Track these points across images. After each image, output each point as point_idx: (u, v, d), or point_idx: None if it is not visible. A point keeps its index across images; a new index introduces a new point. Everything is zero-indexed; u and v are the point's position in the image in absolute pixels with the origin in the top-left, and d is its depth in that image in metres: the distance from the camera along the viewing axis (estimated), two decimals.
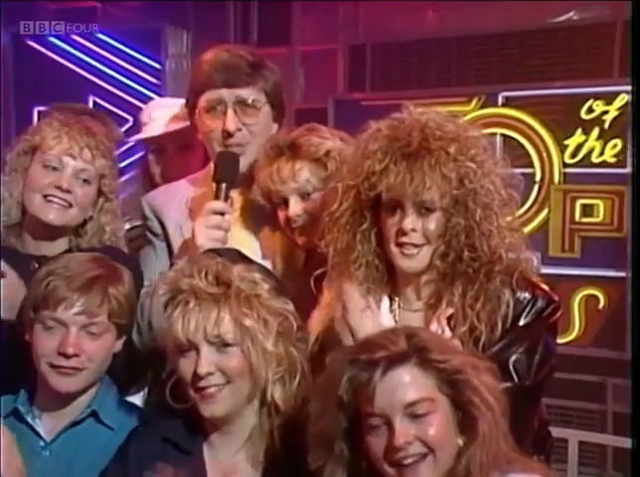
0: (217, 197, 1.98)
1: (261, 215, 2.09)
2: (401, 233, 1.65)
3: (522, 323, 1.67)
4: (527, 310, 1.67)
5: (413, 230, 1.64)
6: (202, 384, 1.56)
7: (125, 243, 2.42)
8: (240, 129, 2.08)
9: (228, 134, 2.07)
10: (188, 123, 2.29)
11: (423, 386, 1.38)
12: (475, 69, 4.62)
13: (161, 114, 2.59)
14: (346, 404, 1.41)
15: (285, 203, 1.99)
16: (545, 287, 1.73)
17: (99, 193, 2.11)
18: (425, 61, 4.73)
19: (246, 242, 2.10)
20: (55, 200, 2.04)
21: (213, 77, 2.07)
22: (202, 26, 5.33)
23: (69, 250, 2.09)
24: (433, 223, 1.65)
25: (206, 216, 1.96)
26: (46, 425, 1.81)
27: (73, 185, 2.05)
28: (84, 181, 2.07)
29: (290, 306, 1.63)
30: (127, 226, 2.55)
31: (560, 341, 4.10)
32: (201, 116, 2.11)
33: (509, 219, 1.68)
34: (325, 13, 5.24)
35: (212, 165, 2.11)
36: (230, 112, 2.06)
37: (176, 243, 2.13)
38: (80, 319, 1.76)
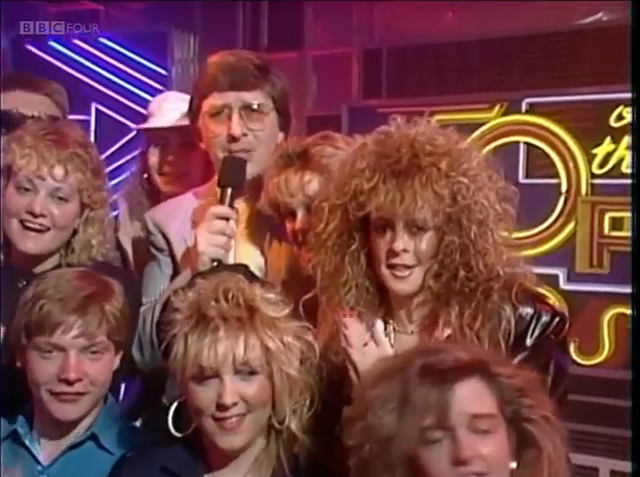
0: (221, 202, 2.00)
1: (268, 226, 2.11)
2: (392, 253, 1.65)
3: (529, 343, 1.66)
4: (531, 327, 1.67)
5: (405, 250, 1.64)
6: (224, 414, 1.56)
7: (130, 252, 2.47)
8: (245, 134, 2.11)
9: (233, 139, 2.09)
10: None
11: (488, 401, 1.38)
12: (497, 73, 4.60)
13: (173, 107, 2.61)
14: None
15: (293, 215, 2.00)
16: (547, 300, 1.73)
17: (82, 205, 2.10)
18: (444, 65, 4.73)
19: (252, 255, 2.13)
20: (30, 225, 2.04)
21: (219, 79, 2.10)
22: (209, 29, 5.36)
23: (58, 266, 2.09)
24: (425, 242, 1.65)
25: (209, 221, 1.97)
26: (45, 449, 1.81)
27: (47, 206, 2.04)
28: (61, 199, 2.06)
29: (310, 332, 1.65)
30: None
31: (588, 363, 4.14)
32: (204, 121, 2.15)
33: (505, 234, 1.69)
34: (338, 15, 5.26)
35: (216, 177, 2.12)
36: (235, 117, 2.09)
37: (181, 257, 2.17)
38: (79, 342, 1.75)
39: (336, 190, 1.71)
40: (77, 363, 1.75)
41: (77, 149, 2.06)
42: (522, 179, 4.28)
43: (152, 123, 2.66)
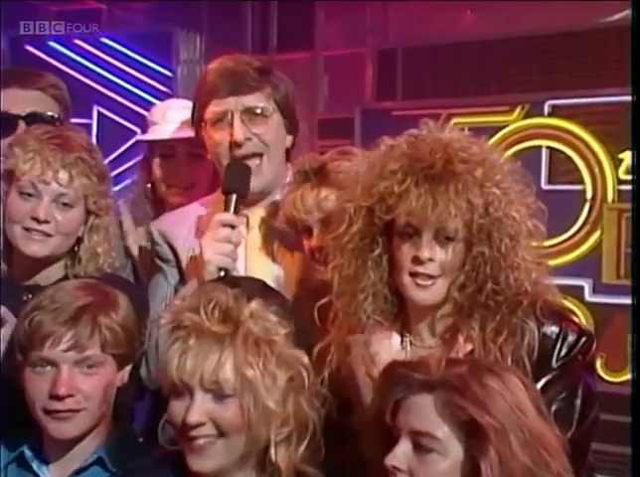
0: (226, 208, 2.03)
1: (280, 234, 2.13)
2: (417, 261, 1.64)
3: (555, 364, 1.65)
4: (557, 347, 1.67)
5: (431, 259, 1.64)
6: (192, 433, 1.52)
7: (130, 270, 2.47)
8: (249, 139, 2.13)
9: (236, 145, 2.12)
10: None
11: (434, 422, 1.40)
12: (518, 74, 4.58)
13: (177, 116, 2.62)
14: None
15: (309, 232, 2.01)
16: (573, 317, 1.73)
17: (87, 212, 2.12)
18: (462, 66, 4.72)
19: (264, 265, 2.16)
20: (34, 232, 2.05)
21: (218, 85, 2.13)
22: (216, 29, 5.38)
23: (65, 278, 2.10)
24: (453, 253, 1.65)
25: (214, 228, 1.99)
26: (52, 473, 1.81)
27: (51, 212, 2.05)
28: (65, 205, 2.07)
29: (305, 359, 1.59)
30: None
31: (615, 380, 4.08)
32: (207, 130, 2.18)
33: (534, 251, 1.69)
34: (351, 14, 5.26)
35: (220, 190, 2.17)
36: (237, 122, 2.12)
37: (188, 268, 2.19)
38: (70, 355, 1.74)
39: (363, 191, 1.70)
40: (68, 377, 1.73)
41: (82, 153, 2.07)
42: (544, 185, 4.25)
43: (157, 134, 2.66)
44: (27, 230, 2.05)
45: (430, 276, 1.65)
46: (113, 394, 1.83)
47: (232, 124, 2.11)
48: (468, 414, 1.38)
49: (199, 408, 1.50)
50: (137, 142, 4.28)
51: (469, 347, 1.66)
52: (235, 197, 2.03)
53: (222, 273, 1.96)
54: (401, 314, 1.75)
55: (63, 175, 2.04)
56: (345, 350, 1.72)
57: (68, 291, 1.82)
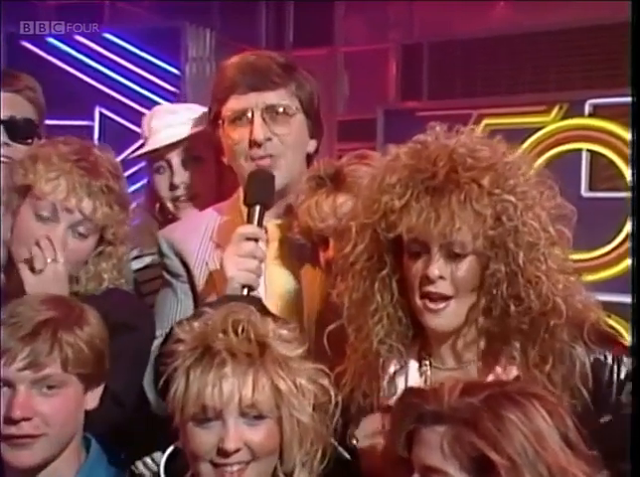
0: (249, 220, 2.01)
1: (301, 247, 2.10)
2: (427, 280, 1.63)
3: (620, 394, 1.63)
4: (615, 375, 1.64)
5: (441, 277, 1.62)
6: (226, 461, 1.55)
7: (134, 290, 2.41)
8: (269, 139, 2.11)
9: (255, 144, 2.10)
10: (193, 130, 2.36)
11: (444, 458, 1.39)
12: (556, 71, 4.54)
13: (161, 124, 2.57)
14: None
15: (326, 242, 2.00)
16: (623, 341, 1.71)
17: (101, 240, 2.10)
18: (494, 62, 4.71)
19: (284, 280, 2.13)
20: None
21: (238, 80, 2.11)
22: (228, 24, 5.42)
23: None
24: (464, 269, 1.63)
25: (237, 243, 1.97)
26: None
27: (65, 240, 2.02)
28: (80, 235, 2.05)
29: (326, 378, 1.63)
30: (135, 253, 2.54)
31: None
32: (224, 128, 2.15)
33: (560, 259, 1.65)
34: (373, 7, 5.26)
35: (240, 192, 2.15)
36: (257, 120, 2.10)
37: (201, 284, 2.14)
38: (26, 374, 1.70)
39: (365, 208, 1.70)
40: (24, 399, 1.69)
41: (109, 181, 2.05)
42: (584, 192, 4.21)
43: (146, 148, 2.60)
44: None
45: (443, 297, 1.63)
46: (81, 418, 1.78)
47: (251, 122, 2.10)
48: (478, 450, 1.36)
49: (235, 434, 1.55)
50: (142, 146, 4.31)
51: (514, 371, 1.64)
52: (259, 208, 2.01)
53: (245, 291, 1.95)
54: (420, 336, 1.73)
55: (87, 204, 2.02)
56: (359, 376, 1.72)
57: (30, 305, 1.78)
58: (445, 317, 1.65)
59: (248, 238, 1.98)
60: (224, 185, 2.37)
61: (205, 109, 2.35)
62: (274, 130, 2.11)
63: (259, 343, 1.58)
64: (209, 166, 2.49)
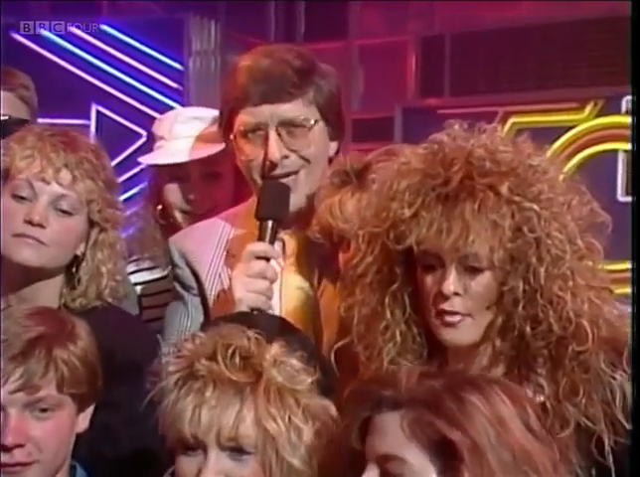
0: (260, 238, 1.98)
1: (321, 261, 2.09)
2: (441, 297, 1.61)
3: None
4: None
5: (456, 293, 1.60)
6: None
7: (135, 299, 2.44)
8: (286, 156, 2.09)
9: (271, 164, 2.08)
10: (220, 146, 2.33)
11: (402, 443, 1.38)
12: (589, 65, 4.49)
13: (186, 130, 2.56)
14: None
15: (348, 244, 1.94)
16: None
17: (90, 224, 2.09)
18: (521, 55, 4.67)
19: (301, 299, 2.12)
20: (26, 237, 2.02)
21: (249, 90, 2.08)
22: (235, 15, 5.39)
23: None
24: (481, 285, 1.60)
25: (246, 261, 1.96)
26: None
27: (47, 217, 2.02)
28: (64, 212, 2.04)
29: (333, 410, 1.58)
30: (132, 267, 2.56)
31: None
32: (237, 141, 2.14)
33: (588, 275, 1.62)
34: None
35: (255, 197, 2.14)
36: (272, 137, 2.08)
37: (212, 298, 2.15)
38: (19, 397, 1.69)
39: (374, 216, 1.68)
40: (17, 424, 1.67)
41: (88, 154, 2.04)
42: (621, 196, 4.19)
43: (165, 155, 2.61)
44: (18, 236, 2.03)
45: (459, 314, 1.61)
46: (72, 442, 1.78)
47: (266, 139, 2.08)
48: (439, 432, 1.36)
49: (214, 468, 1.52)
50: (143, 146, 4.29)
51: (540, 399, 1.60)
52: (271, 224, 1.99)
53: (255, 314, 1.92)
54: (435, 355, 1.70)
55: (65, 175, 2.02)
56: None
57: (15, 320, 1.76)
58: (462, 330, 1.62)
59: (259, 257, 1.96)
60: (240, 200, 2.34)
61: None
62: (292, 146, 2.09)
63: (253, 371, 1.54)
64: (227, 182, 2.50)
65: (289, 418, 1.53)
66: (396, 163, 1.70)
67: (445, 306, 1.61)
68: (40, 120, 2.66)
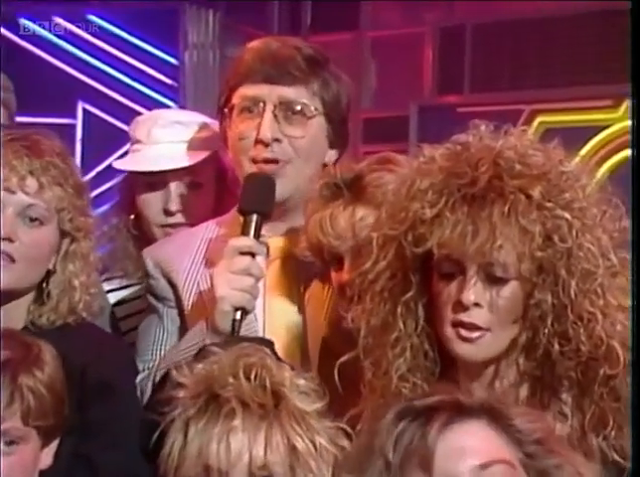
0: (244, 232, 2.01)
1: (307, 267, 2.10)
2: (460, 307, 1.61)
3: None
4: None
5: (477, 304, 1.60)
6: None
7: (107, 319, 2.41)
8: (278, 140, 2.12)
9: (261, 143, 2.11)
10: (203, 154, 2.40)
11: (497, 446, 1.39)
12: (624, 59, 4.44)
13: (166, 135, 2.54)
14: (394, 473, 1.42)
15: (340, 262, 1.98)
16: None
17: (61, 233, 2.07)
18: (550, 47, 4.65)
19: (285, 307, 2.16)
20: None
21: (254, 67, 2.14)
22: (235, 5, 5.35)
23: (24, 329, 2.05)
24: (506, 296, 1.61)
25: (230, 257, 1.98)
26: None
27: (15, 229, 2.01)
28: (33, 220, 2.03)
29: (346, 440, 1.60)
30: (106, 286, 2.53)
31: None
32: (232, 119, 2.18)
33: (621, 294, 1.63)
34: None
35: None
36: (267, 114, 2.12)
37: (191, 308, 2.15)
38: None
39: (390, 216, 1.69)
40: None
41: (54, 158, 2.04)
42: None
43: (140, 160, 2.58)
44: None
45: (478, 328, 1.61)
46: None
47: (261, 117, 2.12)
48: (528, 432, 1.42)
49: None
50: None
51: (566, 430, 1.61)
52: (255, 218, 2.01)
53: (238, 314, 1.95)
54: (448, 373, 1.70)
55: (31, 182, 2.00)
56: (376, 419, 1.67)
57: None
58: (479, 345, 1.63)
59: (243, 253, 1.97)
60: (222, 213, 2.34)
61: (213, 122, 2.37)
62: (286, 131, 2.13)
63: (275, 392, 1.57)
64: (209, 192, 2.50)
65: (311, 439, 1.57)
66: (416, 163, 1.70)
67: (463, 317, 1.61)
68: (19, 119, 2.68)
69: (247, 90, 2.15)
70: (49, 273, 2.08)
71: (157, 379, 1.96)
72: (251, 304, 1.99)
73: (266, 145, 2.11)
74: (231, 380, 1.56)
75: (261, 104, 2.13)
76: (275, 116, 2.12)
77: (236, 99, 2.16)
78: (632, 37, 1.93)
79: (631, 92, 1.89)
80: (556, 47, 4.65)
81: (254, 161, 2.13)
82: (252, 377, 1.57)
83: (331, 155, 2.21)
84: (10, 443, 1.71)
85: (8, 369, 1.72)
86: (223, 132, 2.23)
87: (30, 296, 2.08)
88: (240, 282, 1.95)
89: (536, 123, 4.60)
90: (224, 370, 1.58)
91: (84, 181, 2.16)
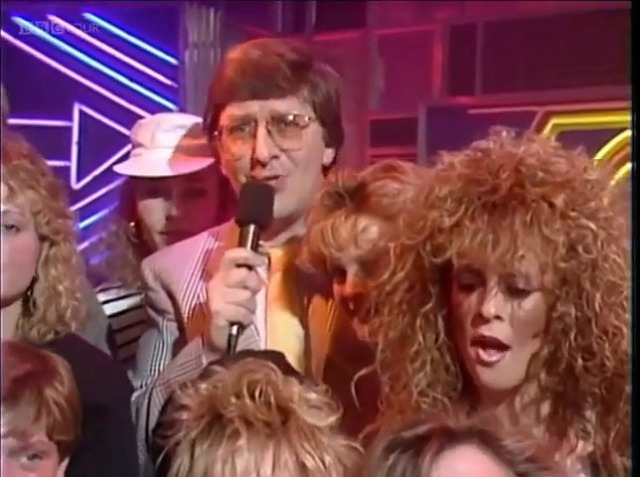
0: (241, 243, 2.02)
1: (310, 279, 2.10)
2: (480, 320, 1.61)
3: None
4: None
5: (498, 317, 1.60)
6: None
7: (103, 319, 2.43)
8: (276, 157, 2.12)
9: (259, 163, 2.11)
10: (208, 161, 2.38)
11: (490, 469, 1.41)
12: None
13: (169, 139, 2.57)
14: None
15: (343, 274, 1.99)
16: None
17: (40, 238, 2.07)
18: (564, 47, 4.65)
19: (287, 321, 2.16)
20: None
21: (238, 83, 2.13)
22: (236, 2, 5.33)
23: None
24: (528, 309, 1.61)
25: (226, 269, 1.99)
26: None
27: None
28: (9, 228, 2.03)
29: (358, 456, 1.60)
30: (103, 297, 2.55)
31: None
32: (223, 139, 2.17)
33: None
34: None
35: None
36: (261, 132, 2.11)
37: (191, 321, 2.16)
38: (7, 443, 1.70)
39: (408, 225, 1.70)
40: (5, 473, 1.68)
41: (22, 161, 2.04)
42: None
43: (142, 165, 2.60)
44: None
45: (498, 344, 1.62)
46: None
47: (254, 136, 2.12)
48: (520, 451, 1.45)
49: None
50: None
51: (589, 448, 1.62)
52: (253, 228, 2.02)
53: (234, 330, 1.96)
54: (471, 388, 1.71)
55: (1, 189, 2.01)
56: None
57: None
58: (502, 371, 1.63)
59: (239, 265, 1.98)
60: (225, 219, 2.36)
61: None
62: (282, 145, 2.13)
63: (282, 409, 1.58)
64: (212, 200, 2.52)
65: (321, 457, 1.58)
66: (438, 168, 1.70)
67: (484, 330, 1.61)
68: (12, 121, 2.66)
69: (236, 109, 2.13)
70: (33, 281, 2.08)
71: (155, 396, 2.00)
72: (248, 318, 1.99)
73: (264, 165, 2.10)
74: (233, 399, 1.56)
75: (253, 123, 2.12)
76: (269, 132, 2.12)
77: (224, 120, 2.15)
78: (632, 37, 1.94)
79: (631, 94, 1.89)
80: (571, 45, 4.64)
81: (254, 180, 2.12)
82: (257, 394, 1.57)
83: (328, 154, 2.21)
84: (33, 457, 1.72)
85: (32, 382, 1.73)
86: (214, 150, 2.22)
87: (18, 307, 2.09)
88: (236, 296, 1.96)
89: (550, 125, 4.60)
90: (227, 389, 1.58)
91: (58, 181, 2.15)
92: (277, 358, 1.77)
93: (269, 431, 1.56)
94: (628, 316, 1.59)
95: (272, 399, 1.58)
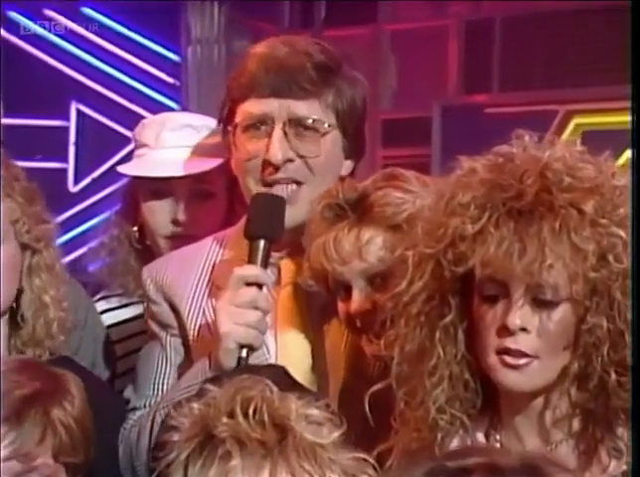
0: (250, 260, 2.01)
1: (324, 296, 2.09)
2: (505, 332, 1.61)
3: None
4: None
5: (524, 329, 1.60)
6: None
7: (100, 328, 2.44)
8: (290, 160, 2.11)
9: (271, 166, 2.10)
10: (216, 161, 2.39)
11: None
12: None
13: (175, 139, 2.57)
14: None
15: (347, 290, 1.98)
16: None
17: (21, 247, 2.08)
18: (586, 43, 4.63)
19: (299, 339, 2.15)
20: None
21: (259, 78, 2.12)
22: None
23: None
24: (556, 321, 1.61)
25: (234, 288, 1.98)
26: None
27: None
28: None
29: (370, 468, 1.61)
30: (104, 305, 2.55)
31: None
32: (237, 136, 2.16)
33: None
34: None
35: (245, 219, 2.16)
36: (277, 134, 2.10)
37: (195, 337, 2.16)
38: (10, 467, 1.72)
39: (427, 233, 1.69)
40: None
41: None
42: None
43: (147, 165, 2.60)
44: None
45: (524, 355, 1.61)
46: None
47: (270, 135, 2.11)
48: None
49: None
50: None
51: (622, 467, 1.62)
52: (263, 244, 2.01)
53: (244, 352, 1.96)
54: (491, 405, 1.72)
55: None
56: (409, 455, 1.71)
57: (4, 374, 1.78)
58: (528, 374, 1.63)
59: (249, 283, 1.97)
60: (232, 225, 2.35)
61: None
62: (298, 150, 2.12)
63: (278, 427, 1.57)
64: (220, 202, 2.52)
65: (324, 475, 1.58)
66: (458, 173, 1.70)
67: (509, 343, 1.60)
68: (7, 121, 2.65)
69: (253, 106, 2.13)
70: (18, 293, 2.09)
71: (158, 418, 1.99)
72: (259, 340, 1.99)
73: (276, 168, 2.10)
74: (225, 419, 1.57)
75: (270, 122, 2.12)
76: (285, 134, 2.11)
77: (240, 116, 2.15)
78: (632, 37, 1.95)
79: (631, 94, 1.91)
80: (594, 42, 4.64)
81: (264, 183, 2.12)
82: (251, 412, 1.57)
83: (347, 166, 2.21)
84: None
85: (39, 402, 1.74)
86: (227, 146, 2.22)
87: (5, 322, 2.10)
88: (246, 317, 1.95)
89: (571, 125, 4.62)
90: (219, 408, 1.59)
91: (32, 184, 2.15)
92: (278, 372, 1.78)
93: (265, 451, 1.57)
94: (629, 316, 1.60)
95: (267, 417, 1.58)
